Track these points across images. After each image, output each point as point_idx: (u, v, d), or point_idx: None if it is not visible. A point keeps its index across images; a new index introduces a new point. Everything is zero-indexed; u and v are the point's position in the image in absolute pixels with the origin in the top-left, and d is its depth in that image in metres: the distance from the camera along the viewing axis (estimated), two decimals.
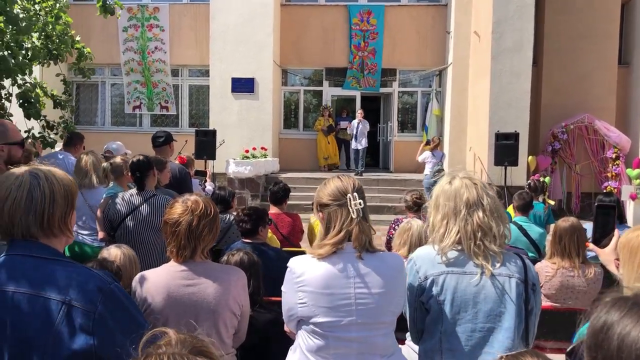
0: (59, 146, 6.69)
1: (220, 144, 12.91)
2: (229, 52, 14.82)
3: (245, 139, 14.54)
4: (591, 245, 2.49)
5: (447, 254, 2.33)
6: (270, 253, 4.02)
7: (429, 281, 2.35)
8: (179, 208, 2.46)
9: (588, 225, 4.66)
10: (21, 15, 5.33)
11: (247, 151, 13.99)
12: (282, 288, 2.39)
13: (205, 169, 10.25)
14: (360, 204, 2.29)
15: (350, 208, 2.28)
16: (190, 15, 16.20)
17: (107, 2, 6.18)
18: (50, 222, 1.80)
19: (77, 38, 6.79)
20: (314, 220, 5.73)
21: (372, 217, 8.15)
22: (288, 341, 2.53)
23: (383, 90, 16.72)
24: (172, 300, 2.41)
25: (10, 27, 5.17)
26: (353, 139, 14.63)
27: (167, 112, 16.68)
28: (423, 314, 2.42)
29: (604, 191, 7.93)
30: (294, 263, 2.35)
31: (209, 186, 7.86)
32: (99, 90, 16.87)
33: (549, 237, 4.70)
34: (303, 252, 4.54)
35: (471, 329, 2.31)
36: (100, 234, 4.45)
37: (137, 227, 4.19)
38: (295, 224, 5.63)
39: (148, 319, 2.35)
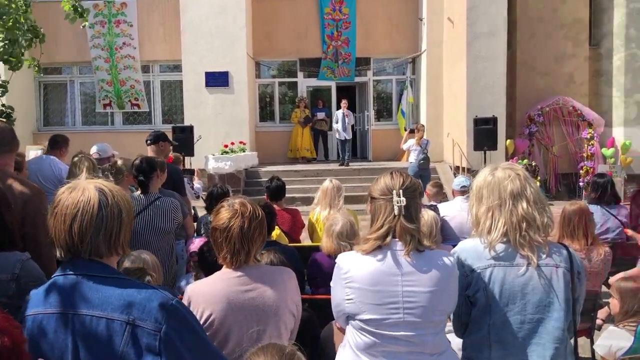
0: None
1: (198, 140, 12.70)
2: (201, 46, 14.58)
3: (221, 133, 14.35)
4: (630, 232, 2.49)
5: (495, 247, 2.30)
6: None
7: (475, 274, 2.33)
8: (227, 212, 2.35)
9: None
10: None
11: (226, 146, 13.79)
12: (331, 284, 2.37)
13: (191, 167, 10.05)
14: (402, 201, 2.22)
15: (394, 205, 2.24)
16: (159, 10, 15.85)
17: (78, 6, 5.79)
18: (116, 241, 1.73)
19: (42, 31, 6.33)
20: (315, 216, 5.66)
21: (356, 206, 7.99)
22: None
23: (358, 79, 16.69)
24: (233, 308, 2.30)
25: None
26: (341, 130, 14.35)
27: (139, 109, 16.33)
28: (468, 308, 2.40)
29: (598, 172, 8.06)
30: (340, 259, 2.32)
31: (197, 184, 7.71)
32: (68, 90, 16.40)
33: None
34: (313, 248, 4.50)
35: (520, 321, 2.30)
36: None
37: (143, 230, 4.07)
38: (295, 219, 5.56)
39: (209, 331, 2.26)
